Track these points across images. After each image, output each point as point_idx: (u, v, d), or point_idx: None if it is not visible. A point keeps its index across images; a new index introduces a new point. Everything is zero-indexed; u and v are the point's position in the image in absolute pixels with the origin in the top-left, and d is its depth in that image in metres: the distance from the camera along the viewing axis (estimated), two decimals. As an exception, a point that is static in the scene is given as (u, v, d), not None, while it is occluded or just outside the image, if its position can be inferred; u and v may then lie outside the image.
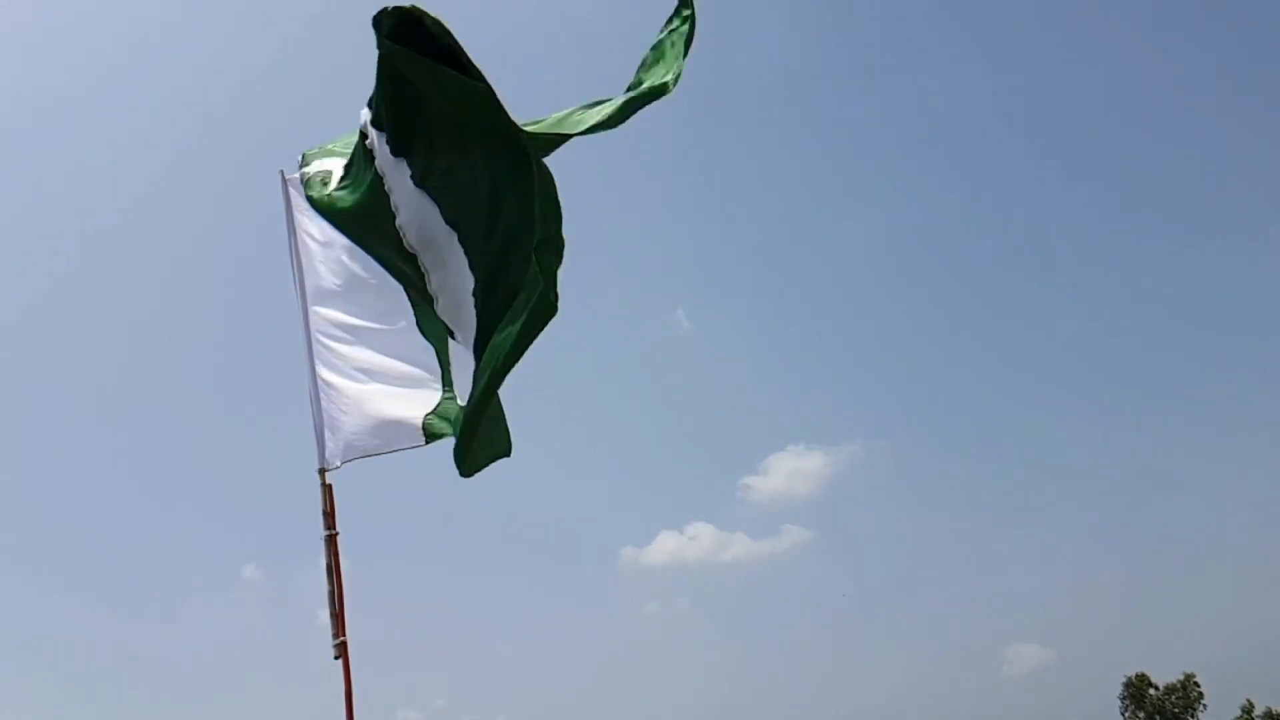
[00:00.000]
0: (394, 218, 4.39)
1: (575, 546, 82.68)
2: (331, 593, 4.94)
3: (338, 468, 5.19)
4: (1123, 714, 50.42)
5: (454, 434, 5.13)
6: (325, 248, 5.43)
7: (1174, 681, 49.77)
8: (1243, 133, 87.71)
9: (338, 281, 5.43)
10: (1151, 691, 49.89)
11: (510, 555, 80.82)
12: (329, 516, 5.06)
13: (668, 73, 4.09)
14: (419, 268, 4.47)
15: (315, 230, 5.46)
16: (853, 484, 78.75)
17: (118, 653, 60.33)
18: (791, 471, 79.00)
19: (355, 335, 5.42)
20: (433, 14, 3.64)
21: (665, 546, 73.46)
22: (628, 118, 4.01)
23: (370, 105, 4.37)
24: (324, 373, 5.35)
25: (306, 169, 5.23)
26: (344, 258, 5.41)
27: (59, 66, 76.97)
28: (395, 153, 4.31)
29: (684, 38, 4.19)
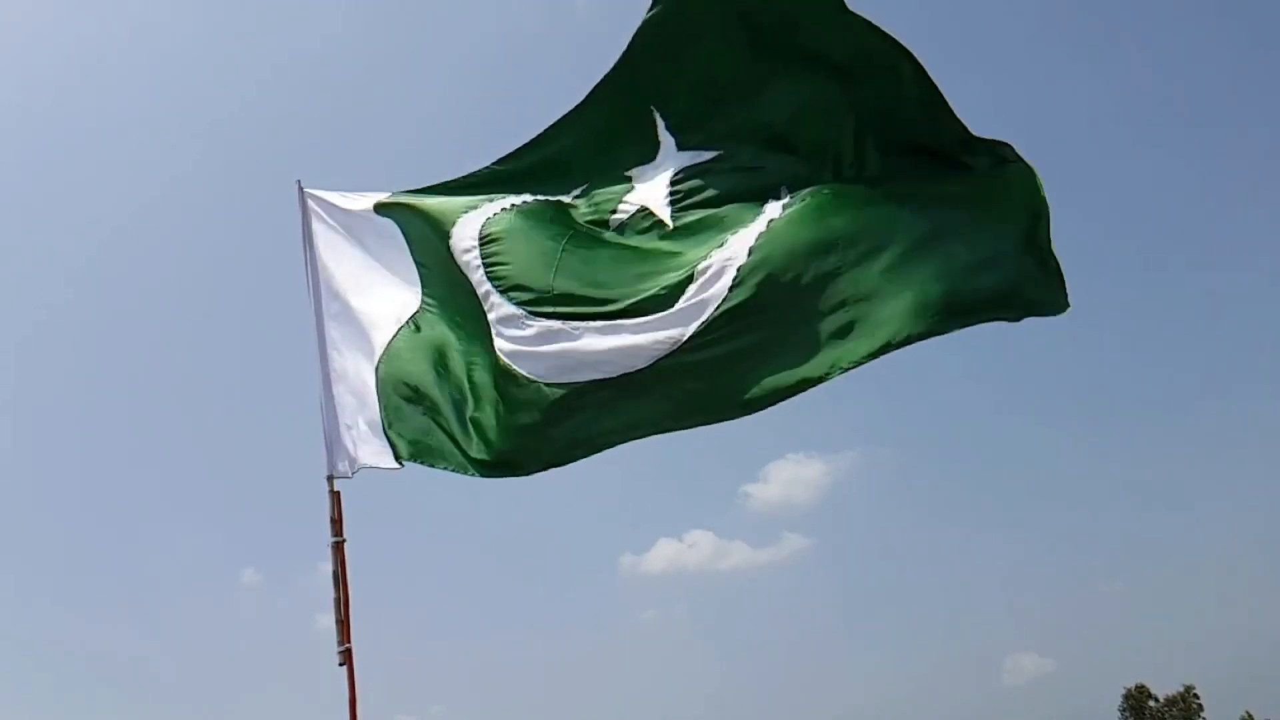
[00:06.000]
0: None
1: (573, 554, 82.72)
2: (338, 599, 4.96)
3: (349, 476, 5.18)
4: (1122, 725, 50.31)
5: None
6: (345, 257, 5.51)
7: (1174, 693, 49.65)
8: (1246, 143, 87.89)
9: (353, 297, 5.46)
10: (1151, 703, 49.74)
11: (508, 561, 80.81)
12: (336, 524, 5.08)
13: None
14: None
15: (332, 239, 5.54)
16: (852, 492, 78.76)
17: (116, 655, 60.30)
18: (791, 479, 78.97)
19: (365, 345, 5.42)
20: None
21: (664, 554, 73.49)
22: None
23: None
24: (336, 382, 5.36)
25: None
26: (364, 267, 5.49)
27: (72, 73, 77.17)
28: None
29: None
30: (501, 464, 4.73)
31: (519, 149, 5.20)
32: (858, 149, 4.51)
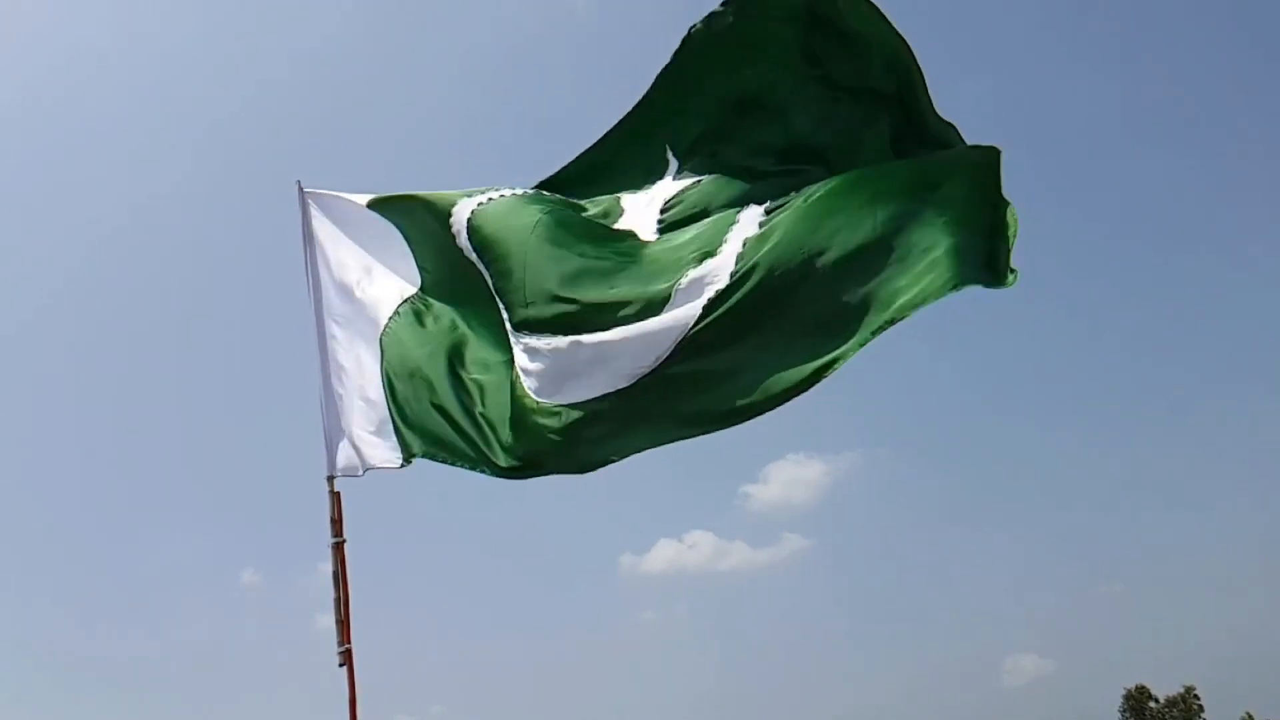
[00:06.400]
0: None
1: (573, 554, 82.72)
2: (337, 600, 4.97)
3: (359, 475, 5.18)
4: (1122, 726, 50.28)
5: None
6: (347, 256, 5.52)
7: (1174, 694, 49.62)
8: (1246, 143, 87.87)
9: (355, 294, 5.48)
10: (1151, 704, 49.72)
11: (508, 561, 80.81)
12: (336, 524, 5.08)
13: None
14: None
15: (334, 238, 5.55)
16: (852, 493, 78.75)
17: (116, 655, 60.31)
18: (791, 480, 78.97)
19: (371, 341, 5.42)
20: None
21: (664, 554, 73.50)
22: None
23: None
24: (336, 383, 5.36)
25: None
26: (366, 266, 5.51)
27: (72, 73, 77.21)
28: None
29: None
30: (513, 469, 4.74)
31: (546, 178, 5.27)
32: (890, 159, 4.50)
